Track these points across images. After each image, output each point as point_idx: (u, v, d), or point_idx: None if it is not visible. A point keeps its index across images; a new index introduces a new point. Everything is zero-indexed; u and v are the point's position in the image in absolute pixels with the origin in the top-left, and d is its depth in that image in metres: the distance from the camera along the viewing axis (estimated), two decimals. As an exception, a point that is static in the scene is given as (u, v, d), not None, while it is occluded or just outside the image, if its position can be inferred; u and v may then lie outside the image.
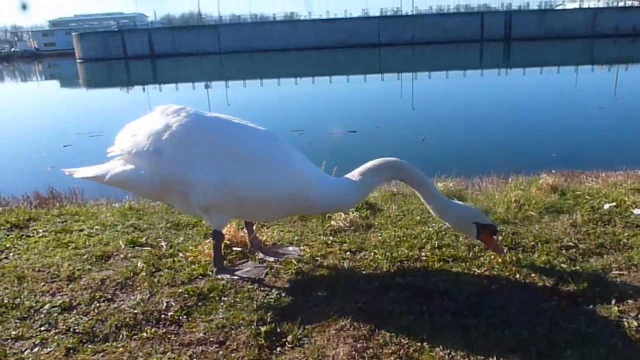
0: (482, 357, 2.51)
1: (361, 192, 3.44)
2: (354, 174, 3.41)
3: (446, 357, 2.53)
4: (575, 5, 66.70)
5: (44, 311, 3.08)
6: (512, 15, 58.95)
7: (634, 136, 11.69)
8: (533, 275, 3.26)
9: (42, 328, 2.93)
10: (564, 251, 3.57)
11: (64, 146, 12.00)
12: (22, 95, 31.45)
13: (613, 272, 3.27)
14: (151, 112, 3.54)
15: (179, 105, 3.47)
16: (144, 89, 29.38)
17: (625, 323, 2.72)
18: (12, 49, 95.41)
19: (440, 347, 2.59)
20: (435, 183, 5.59)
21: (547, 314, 2.83)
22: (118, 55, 54.80)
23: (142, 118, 3.58)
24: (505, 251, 3.52)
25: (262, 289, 3.27)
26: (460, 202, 3.49)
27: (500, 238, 3.79)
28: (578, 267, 3.33)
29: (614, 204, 4.43)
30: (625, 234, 3.79)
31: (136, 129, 3.50)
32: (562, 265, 3.37)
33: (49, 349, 2.74)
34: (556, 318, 2.79)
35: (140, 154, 3.36)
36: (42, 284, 3.42)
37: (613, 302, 2.93)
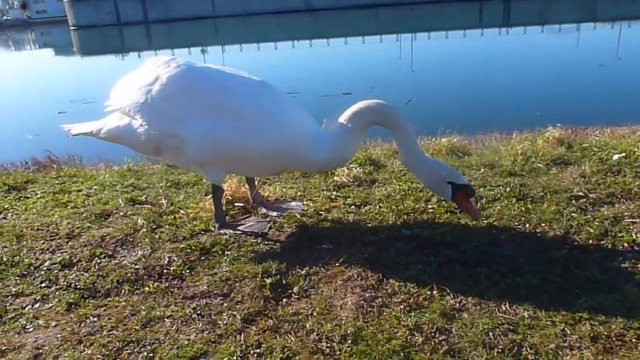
0: (494, 305, 2.45)
1: (353, 144, 3.20)
2: (341, 123, 3.14)
3: (457, 305, 2.47)
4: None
5: (44, 268, 3.03)
6: (512, -27, 57.30)
7: (636, 93, 11.48)
8: (543, 224, 3.19)
9: (43, 285, 2.88)
10: (574, 201, 3.49)
11: (58, 113, 11.84)
12: (16, 64, 30.93)
13: (625, 220, 3.19)
14: (143, 65, 3.41)
15: (169, 57, 3.33)
16: (139, 56, 28.81)
17: (640, 269, 2.67)
18: (4, 17, 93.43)
19: (451, 295, 2.54)
20: (439, 139, 5.48)
21: (559, 262, 2.77)
22: (111, 22, 53.74)
23: (135, 71, 3.45)
24: (482, 215, 3.23)
25: (265, 242, 3.21)
26: (434, 159, 3.15)
27: (507, 189, 3.71)
28: (589, 216, 3.25)
29: (623, 154, 4.32)
30: (636, 184, 3.70)
31: (129, 82, 3.38)
32: (572, 214, 3.29)
33: (50, 305, 2.69)
34: (568, 266, 2.73)
35: (132, 108, 3.24)
36: (42, 242, 3.35)
37: (626, 249, 2.87)
